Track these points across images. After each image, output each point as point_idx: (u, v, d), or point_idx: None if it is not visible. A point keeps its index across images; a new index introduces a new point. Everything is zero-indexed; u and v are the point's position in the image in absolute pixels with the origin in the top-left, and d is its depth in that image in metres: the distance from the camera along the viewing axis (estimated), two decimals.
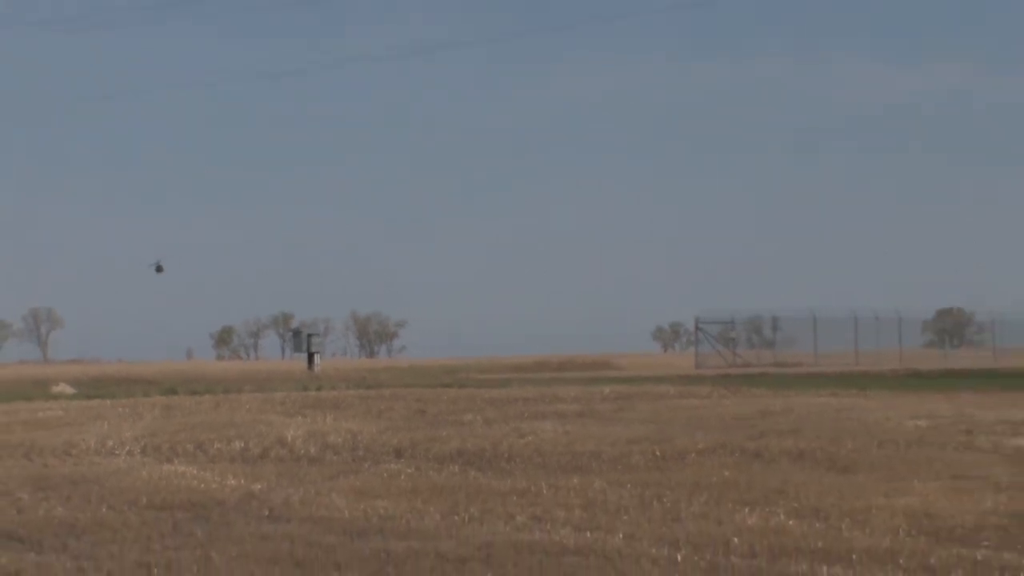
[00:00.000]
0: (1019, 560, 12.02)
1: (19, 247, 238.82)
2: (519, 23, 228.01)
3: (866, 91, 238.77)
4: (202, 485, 18.45)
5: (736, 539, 13.16)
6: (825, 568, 11.69)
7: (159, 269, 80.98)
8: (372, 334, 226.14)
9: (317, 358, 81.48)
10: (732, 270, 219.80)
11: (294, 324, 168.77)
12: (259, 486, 18.14)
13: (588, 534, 13.67)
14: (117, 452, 23.68)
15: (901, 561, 12.04)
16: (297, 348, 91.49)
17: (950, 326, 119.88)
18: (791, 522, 14.33)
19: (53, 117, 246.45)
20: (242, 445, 24.06)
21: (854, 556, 12.25)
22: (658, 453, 21.60)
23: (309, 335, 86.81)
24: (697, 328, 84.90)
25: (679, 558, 12.22)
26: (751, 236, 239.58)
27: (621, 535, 13.55)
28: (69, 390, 53.57)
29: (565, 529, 14.02)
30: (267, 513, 15.53)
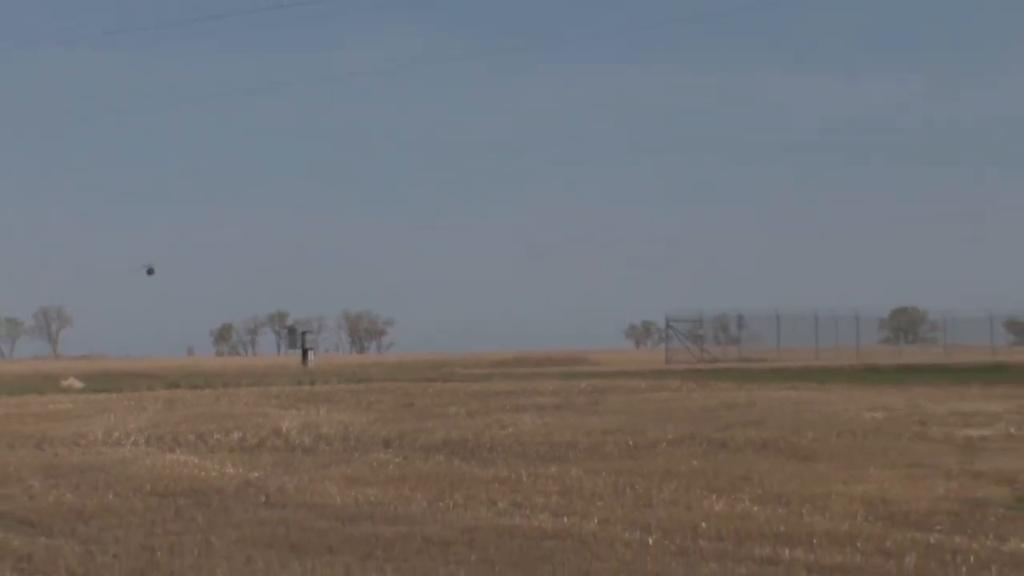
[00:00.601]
0: (969, 544, 12.04)
1: (31, 249, 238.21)
2: (508, 38, 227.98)
3: (824, 104, 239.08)
4: (202, 473, 18.43)
5: (704, 524, 13.16)
6: (787, 551, 11.69)
7: (150, 272, 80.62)
8: (362, 331, 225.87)
9: (311, 354, 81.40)
10: (700, 271, 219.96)
11: (289, 322, 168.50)
12: (256, 474, 18.12)
13: (565, 519, 13.67)
14: (123, 442, 23.64)
15: (859, 544, 12.05)
16: (292, 345, 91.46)
17: (904, 324, 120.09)
18: (755, 508, 14.35)
19: (66, 126, 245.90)
20: (240, 436, 24.03)
21: (814, 540, 12.26)
22: (631, 443, 21.61)
23: (303, 332, 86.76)
24: (667, 326, 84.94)
25: (650, 542, 12.22)
26: (718, 240, 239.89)
27: (596, 520, 13.55)
28: (78, 384, 53.44)
29: (544, 514, 14.02)
30: (264, 500, 15.51)
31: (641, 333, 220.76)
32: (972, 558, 11.33)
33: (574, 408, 31.07)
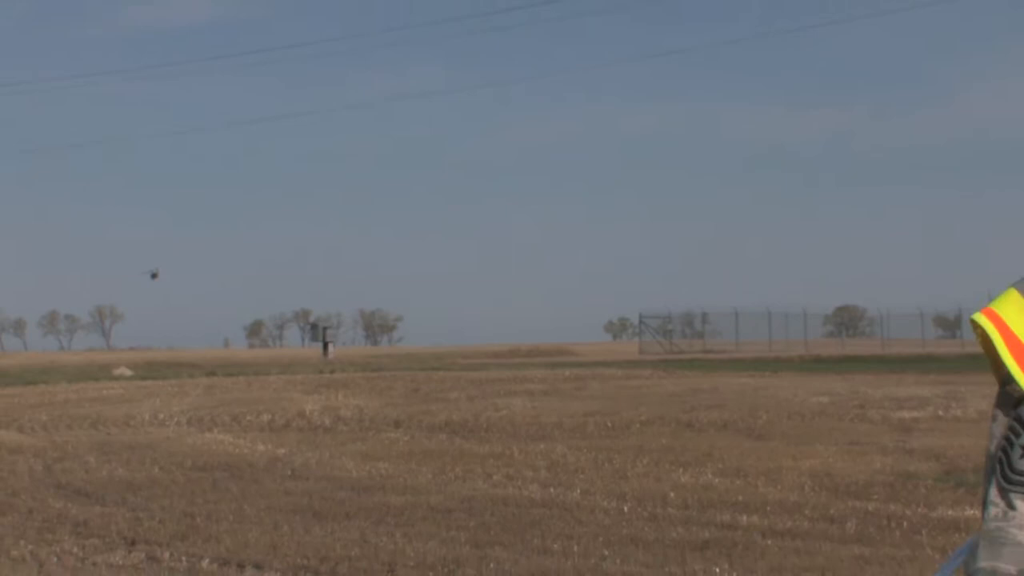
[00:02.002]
0: (903, 511, 12.06)
1: (88, 254, 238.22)
2: (503, 72, 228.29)
3: (776, 129, 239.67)
4: (236, 450, 18.42)
5: (672, 494, 13.17)
6: (744, 517, 11.70)
7: (154, 276, 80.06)
8: (375, 326, 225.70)
9: (331, 346, 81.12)
10: (669, 274, 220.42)
11: (312, 318, 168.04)
12: (283, 451, 18.11)
13: (552, 490, 13.67)
14: (167, 423, 23.62)
15: (806, 512, 12.06)
16: (314, 338, 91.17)
17: (846, 320, 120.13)
18: (717, 480, 14.36)
19: (121, 146, 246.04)
20: (269, 417, 24.02)
21: (768, 507, 12.27)
22: (609, 424, 21.62)
23: (324, 327, 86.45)
24: (640, 322, 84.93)
25: (626, 509, 12.23)
26: (685, 246, 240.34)
27: (579, 491, 13.56)
28: (128, 373, 53.34)
29: (533, 486, 14.02)
30: (290, 473, 15.51)
31: (618, 328, 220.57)
32: (905, 523, 11.36)
33: (559, 393, 31.07)
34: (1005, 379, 1.52)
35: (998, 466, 1.50)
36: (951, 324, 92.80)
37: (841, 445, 17.88)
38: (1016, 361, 1.49)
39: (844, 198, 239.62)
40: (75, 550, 10.71)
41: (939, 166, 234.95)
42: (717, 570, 9.22)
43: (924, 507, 12.36)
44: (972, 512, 12.11)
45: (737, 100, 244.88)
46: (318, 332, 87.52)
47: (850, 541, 10.62)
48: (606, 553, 9.91)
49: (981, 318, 1.53)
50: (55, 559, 10.34)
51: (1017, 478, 1.45)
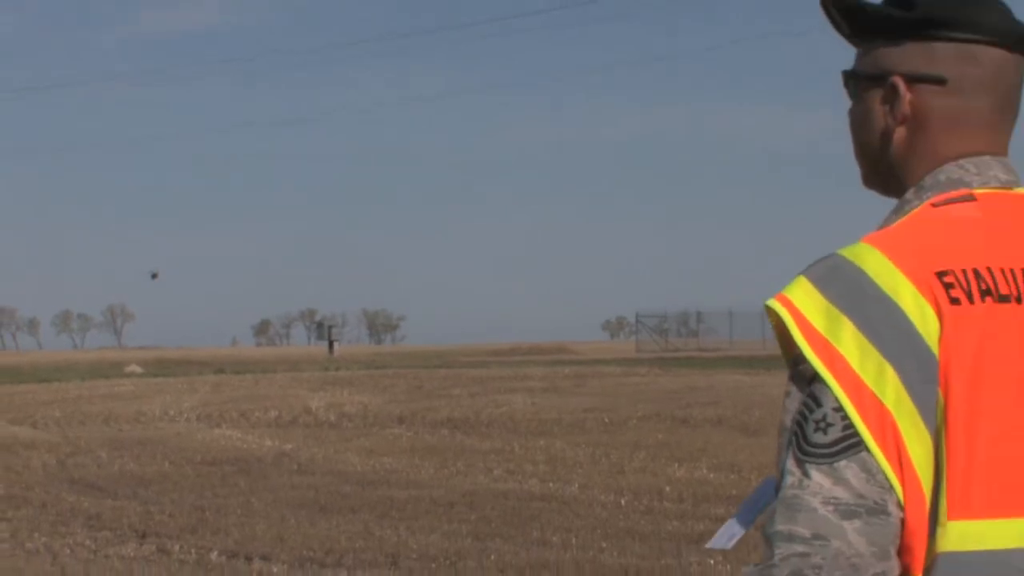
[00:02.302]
0: None
1: (100, 256, 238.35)
2: (501, 76, 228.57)
3: (766, 132, 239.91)
4: (244, 445, 18.44)
5: (668, 488, 13.18)
6: None
7: (154, 276, 79.82)
8: (379, 326, 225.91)
9: (336, 345, 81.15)
10: (666, 275, 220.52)
11: (317, 318, 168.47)
12: (290, 446, 18.12)
13: (551, 484, 13.68)
14: (177, 419, 23.64)
15: None
16: (320, 337, 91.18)
17: None
18: (711, 475, 14.37)
19: (129, 151, 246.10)
20: (276, 414, 24.03)
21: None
22: (606, 420, 21.62)
23: (329, 327, 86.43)
24: (637, 321, 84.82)
25: (623, 503, 12.24)
26: (681, 247, 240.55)
27: (577, 485, 13.56)
28: (139, 370, 53.36)
29: (533, 480, 14.03)
30: (296, 468, 15.52)
31: (615, 327, 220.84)
32: None
33: (559, 390, 31.06)
34: (797, 359, 1.60)
35: (794, 438, 1.58)
36: None
37: None
38: (807, 341, 1.57)
39: (837, 200, 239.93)
40: (88, 542, 10.73)
41: None
42: (711, 562, 9.23)
43: None
44: None
45: (733, 102, 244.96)
46: (323, 331, 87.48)
47: None
48: (604, 545, 9.92)
49: (775, 304, 1.62)
50: (68, 551, 10.36)
51: (812, 450, 1.54)
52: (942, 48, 1.71)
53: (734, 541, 1.76)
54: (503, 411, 23.98)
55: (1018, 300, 1.63)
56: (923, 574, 1.57)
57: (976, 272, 1.62)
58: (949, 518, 1.56)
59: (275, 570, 9.17)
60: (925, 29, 1.72)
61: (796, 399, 1.62)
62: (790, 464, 1.59)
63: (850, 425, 1.55)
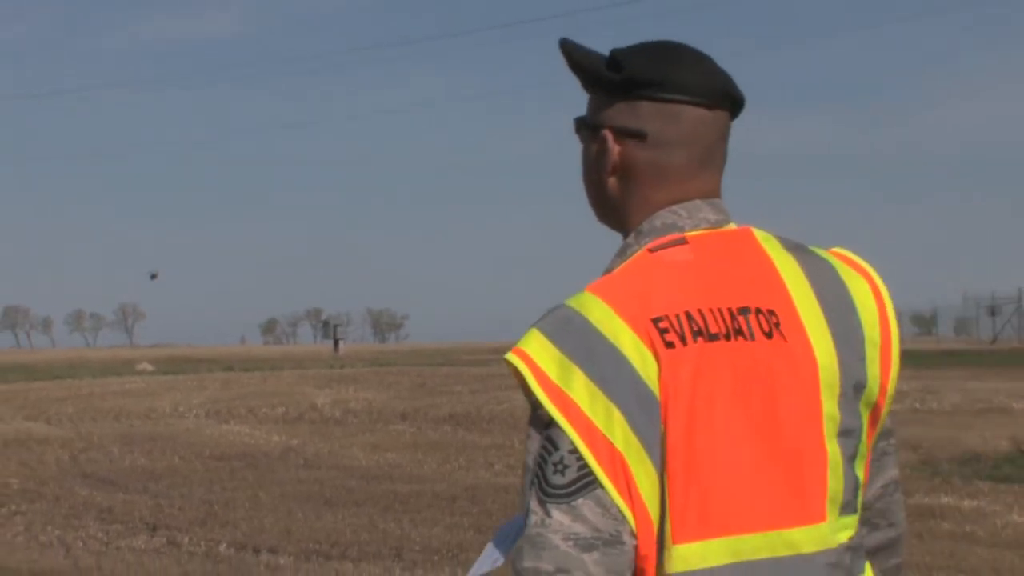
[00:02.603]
0: None
1: (113, 256, 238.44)
2: (500, 83, 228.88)
3: (763, 134, 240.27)
4: (252, 441, 18.43)
5: None
6: None
7: (153, 276, 79.55)
8: (383, 324, 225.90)
9: (341, 343, 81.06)
10: None
11: (323, 317, 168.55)
12: (296, 441, 18.12)
13: None
14: (186, 415, 23.64)
15: None
16: (326, 335, 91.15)
17: None
18: None
19: (139, 156, 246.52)
20: (283, 410, 24.03)
21: None
22: None
23: (335, 325, 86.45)
24: None
25: None
26: None
27: None
28: (150, 368, 53.34)
29: None
30: (303, 462, 15.52)
31: None
32: None
33: None
34: (535, 404, 1.70)
35: (535, 480, 1.67)
36: (927, 322, 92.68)
37: None
38: (543, 390, 1.67)
39: (828, 202, 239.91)
40: (100, 535, 10.73)
41: (917, 174, 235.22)
42: None
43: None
44: (947, 500, 12.13)
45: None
46: (329, 330, 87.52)
47: None
48: None
49: (512, 357, 1.72)
50: (81, 543, 10.36)
51: (552, 491, 1.64)
52: (646, 107, 1.84)
53: (497, 566, 1.82)
54: (504, 408, 23.97)
55: (727, 337, 1.73)
56: None
57: (688, 315, 1.72)
58: (674, 542, 1.68)
59: (282, 562, 9.17)
60: (631, 89, 1.84)
61: (536, 441, 1.71)
62: (533, 504, 1.67)
63: (585, 465, 1.65)
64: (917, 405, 23.64)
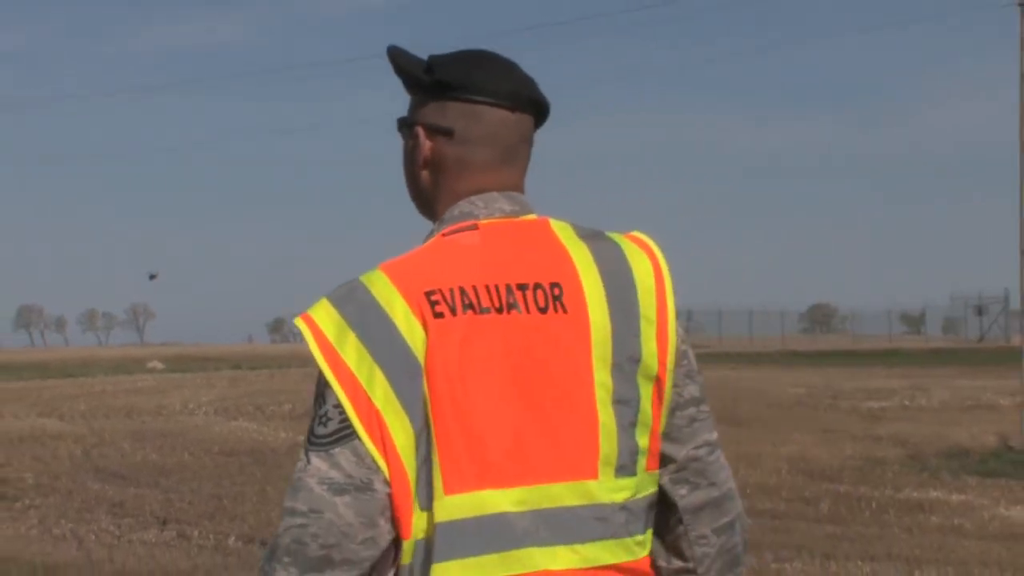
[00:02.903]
0: (871, 492, 12.10)
1: (125, 256, 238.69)
2: None
3: (755, 139, 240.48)
4: (260, 437, 18.43)
5: None
6: None
7: (152, 277, 79.20)
8: None
9: None
10: None
11: None
12: (302, 438, 18.09)
13: None
14: (196, 412, 23.63)
15: (783, 493, 12.09)
16: None
17: (820, 317, 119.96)
18: None
19: (157, 162, 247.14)
20: (290, 407, 24.01)
21: (748, 490, 12.28)
22: None
23: None
24: None
25: None
26: (671, 250, 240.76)
27: None
28: (160, 366, 53.35)
29: None
30: None
31: None
32: (874, 504, 11.38)
33: None
34: (317, 367, 1.85)
35: (308, 430, 1.84)
36: (915, 321, 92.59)
37: (815, 433, 17.90)
38: (320, 350, 1.82)
39: (818, 204, 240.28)
40: (111, 528, 10.74)
41: (905, 175, 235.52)
42: None
43: (891, 489, 12.38)
44: (936, 494, 12.14)
45: (718, 112, 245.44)
46: None
47: (823, 520, 10.64)
48: None
49: (298, 321, 1.87)
50: (93, 536, 10.36)
51: (315, 440, 1.79)
52: (453, 107, 1.98)
53: None
54: None
55: (499, 310, 1.87)
56: (426, 542, 1.81)
57: (462, 290, 1.86)
58: (445, 493, 1.80)
59: None
60: (441, 91, 1.99)
61: (314, 397, 1.87)
62: (301, 452, 1.84)
63: (346, 419, 1.80)
64: (906, 402, 23.66)
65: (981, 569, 8.41)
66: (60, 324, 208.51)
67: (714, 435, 2.08)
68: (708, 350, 69.23)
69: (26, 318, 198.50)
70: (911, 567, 8.47)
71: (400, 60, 2.04)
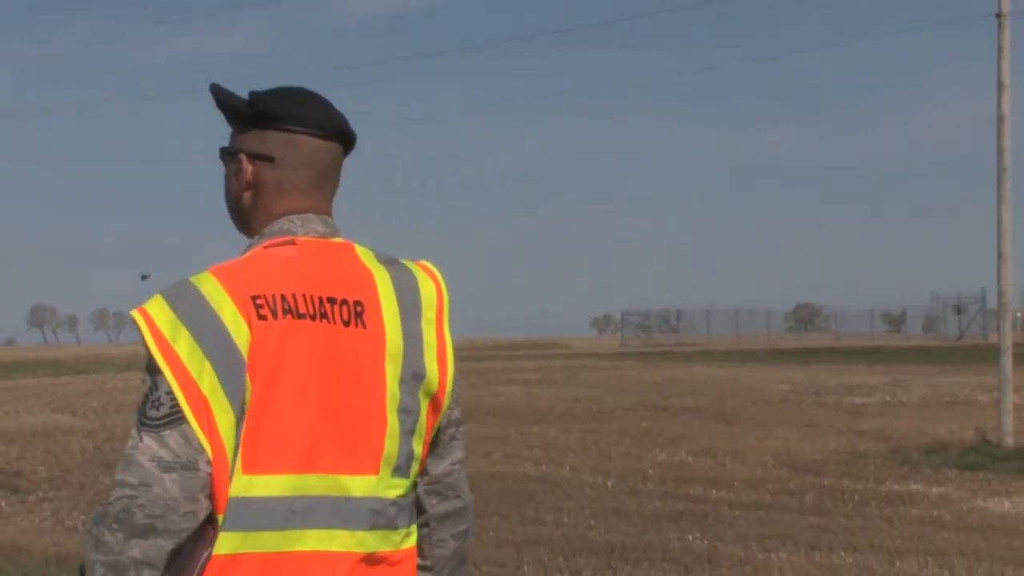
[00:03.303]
0: (854, 485, 12.10)
1: (135, 257, 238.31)
2: (492, 94, 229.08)
3: (734, 148, 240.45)
4: None
5: (651, 471, 13.19)
6: (714, 491, 11.72)
7: (144, 277, 79.27)
8: None
9: None
10: (649, 276, 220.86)
11: None
12: (135, 416, 18.09)
13: (544, 467, 13.68)
14: None
15: (769, 486, 12.09)
16: None
17: (805, 316, 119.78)
18: (690, 459, 14.37)
19: (166, 165, 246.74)
20: None
21: (735, 483, 12.29)
22: (595, 409, 21.63)
23: None
24: (623, 318, 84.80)
25: (609, 484, 12.24)
26: (663, 251, 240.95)
27: (568, 468, 13.56)
28: None
29: (528, 464, 14.03)
30: None
31: (603, 324, 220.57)
32: (856, 496, 11.38)
33: (551, 382, 31.08)
34: (148, 354, 1.98)
35: (138, 412, 1.96)
36: (897, 320, 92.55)
37: (800, 428, 17.90)
38: (154, 342, 1.97)
39: (804, 209, 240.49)
40: None
41: (887, 181, 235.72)
42: (690, 538, 9.23)
43: (873, 482, 12.38)
44: (916, 487, 12.14)
45: (708, 119, 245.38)
46: None
47: (808, 512, 10.64)
48: (592, 523, 9.92)
49: (135, 314, 2.01)
50: None
51: (148, 421, 1.94)
52: (273, 135, 2.17)
53: None
54: (501, 401, 23.98)
55: (312, 318, 2.04)
56: (222, 513, 1.97)
57: (283, 296, 2.03)
58: (244, 472, 1.98)
59: None
60: (261, 122, 2.17)
61: (147, 382, 1.99)
62: (134, 431, 1.95)
63: (176, 405, 1.94)
64: (888, 398, 23.67)
65: (960, 559, 8.41)
66: (72, 323, 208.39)
67: (464, 454, 2.31)
68: (696, 348, 69.24)
69: (39, 317, 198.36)
70: (892, 557, 8.47)
71: (222, 95, 2.21)
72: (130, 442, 1.95)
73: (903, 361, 40.60)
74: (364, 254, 2.18)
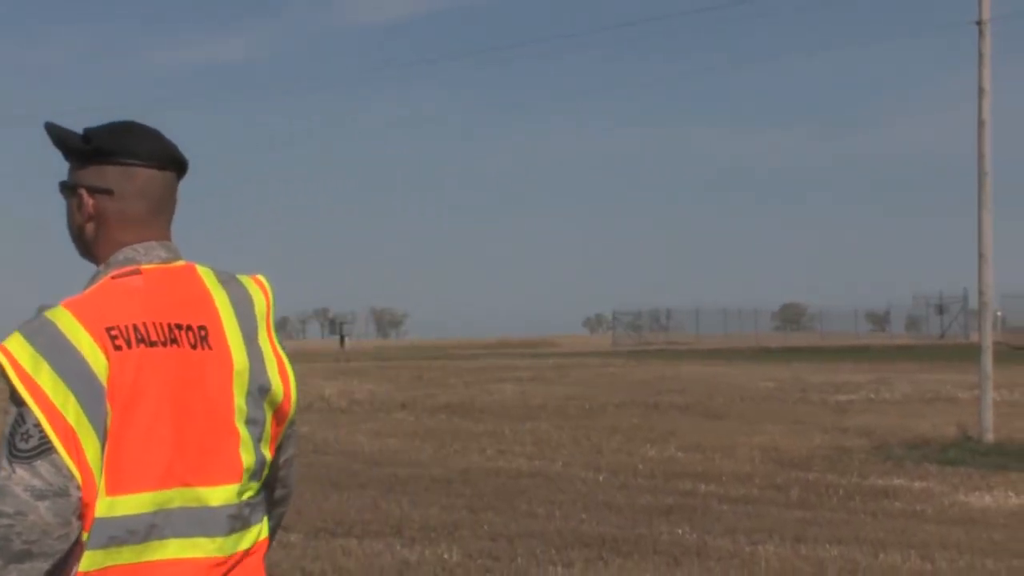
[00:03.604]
0: (839, 480, 12.11)
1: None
2: (490, 99, 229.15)
3: (725, 149, 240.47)
4: None
5: (641, 466, 13.19)
6: (703, 486, 11.72)
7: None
8: (385, 322, 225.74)
9: (346, 339, 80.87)
10: (639, 276, 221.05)
11: (330, 315, 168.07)
12: (306, 429, 18.06)
13: (537, 462, 13.68)
14: None
15: (756, 481, 12.09)
16: (332, 332, 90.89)
17: (791, 315, 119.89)
18: (679, 454, 14.38)
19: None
20: None
21: (723, 477, 12.30)
22: (587, 406, 21.63)
23: (341, 323, 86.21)
24: (614, 317, 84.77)
25: (601, 479, 12.24)
26: (653, 252, 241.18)
27: (560, 463, 13.56)
28: None
29: (521, 459, 14.03)
30: (312, 448, 15.47)
31: (595, 323, 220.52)
32: (841, 491, 11.39)
33: (544, 380, 31.07)
34: (12, 389, 2.04)
35: (7, 444, 2.02)
36: (880, 319, 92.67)
37: (786, 424, 17.91)
38: (18, 377, 2.03)
39: (790, 211, 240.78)
40: None
41: (871, 184, 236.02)
42: (680, 531, 9.24)
43: (857, 477, 12.40)
44: (899, 481, 12.15)
45: (696, 123, 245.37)
46: (336, 327, 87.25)
47: (794, 506, 10.65)
48: (584, 517, 9.92)
49: None
50: None
51: (19, 453, 2.00)
52: (110, 169, 2.24)
53: None
54: (495, 398, 23.97)
55: (164, 344, 2.14)
56: (88, 534, 2.05)
57: (135, 327, 2.12)
58: (107, 494, 2.06)
59: (292, 539, 9.16)
60: (98, 156, 2.23)
61: (12, 415, 2.04)
62: (4, 462, 2.01)
63: (45, 436, 2.01)
64: (871, 395, 23.70)
65: (941, 552, 8.43)
66: None
67: (296, 451, 2.48)
68: (686, 347, 69.22)
69: None
70: (876, 550, 8.48)
71: (58, 133, 2.27)
72: (2, 473, 2.01)
73: (887, 359, 40.65)
74: (205, 274, 2.28)
